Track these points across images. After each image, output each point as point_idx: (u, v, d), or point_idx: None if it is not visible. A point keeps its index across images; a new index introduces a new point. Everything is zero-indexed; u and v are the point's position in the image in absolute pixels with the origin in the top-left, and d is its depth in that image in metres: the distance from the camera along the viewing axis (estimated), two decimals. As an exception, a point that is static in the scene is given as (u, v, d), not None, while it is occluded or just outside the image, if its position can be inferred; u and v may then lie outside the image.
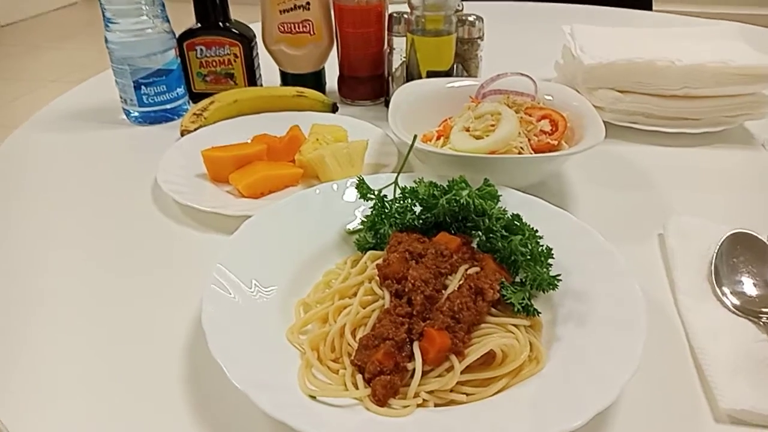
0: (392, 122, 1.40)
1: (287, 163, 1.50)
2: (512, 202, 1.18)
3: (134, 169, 1.59)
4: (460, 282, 0.95)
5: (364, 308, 0.96)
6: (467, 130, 1.43)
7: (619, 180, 1.50)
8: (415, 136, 1.16)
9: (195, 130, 1.69)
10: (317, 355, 0.93)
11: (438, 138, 1.52)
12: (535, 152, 1.40)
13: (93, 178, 1.57)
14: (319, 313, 1.00)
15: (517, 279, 1.03)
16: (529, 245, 1.01)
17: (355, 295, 1.00)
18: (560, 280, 0.98)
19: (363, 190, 1.16)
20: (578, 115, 1.34)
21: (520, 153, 1.36)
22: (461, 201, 1.04)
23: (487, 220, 1.07)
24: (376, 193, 1.16)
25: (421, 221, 1.11)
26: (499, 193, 1.09)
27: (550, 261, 1.00)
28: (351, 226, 1.20)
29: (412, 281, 0.92)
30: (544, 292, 0.99)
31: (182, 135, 1.71)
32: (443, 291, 0.95)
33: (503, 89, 1.45)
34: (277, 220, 1.17)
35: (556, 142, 1.43)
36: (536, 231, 1.04)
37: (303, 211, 1.21)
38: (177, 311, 1.04)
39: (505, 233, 1.03)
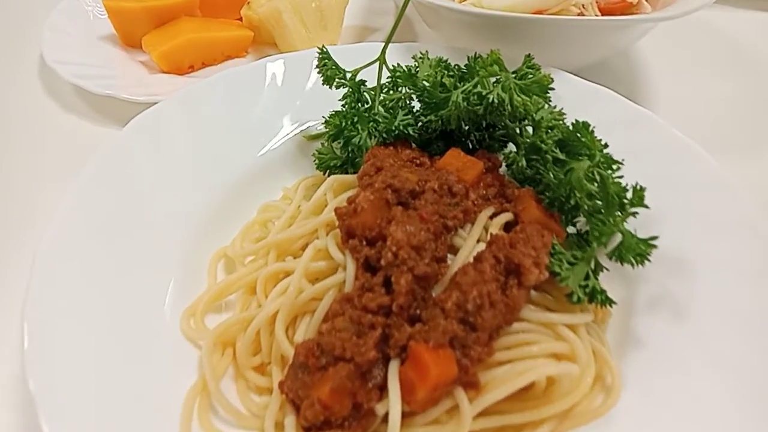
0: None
1: (232, 21, 1.02)
2: (568, 93, 0.74)
3: (16, 28, 1.12)
4: (480, 249, 0.54)
5: (312, 283, 0.56)
6: (502, -25, 0.93)
7: (722, 64, 1.03)
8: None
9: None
10: (230, 359, 0.55)
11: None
12: (604, 12, 0.91)
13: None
14: (244, 279, 0.61)
15: (574, 231, 0.62)
16: (601, 179, 0.58)
17: (302, 251, 0.60)
18: (655, 246, 0.56)
19: (327, 69, 0.70)
20: None
21: (581, 15, 0.88)
22: (489, 97, 0.60)
23: (530, 131, 0.63)
24: (348, 75, 0.71)
25: (419, 127, 0.67)
26: (551, 83, 0.64)
27: (637, 209, 0.58)
28: (311, 131, 0.77)
29: (394, 248, 0.51)
30: (621, 264, 0.57)
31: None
32: (448, 263, 0.54)
33: None
34: (191, 112, 0.74)
35: (634, 1, 0.93)
36: (608, 153, 0.61)
37: (235, 101, 0.77)
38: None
39: (560, 155, 0.60)
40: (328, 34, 0.97)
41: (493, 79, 0.64)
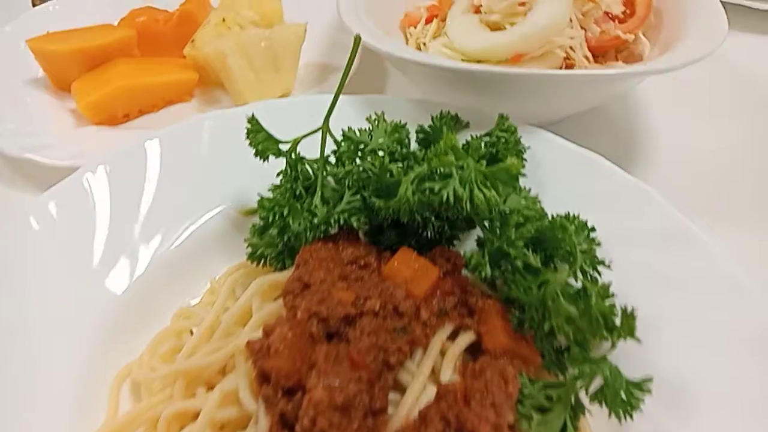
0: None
1: (174, 60, 0.91)
2: (546, 157, 0.63)
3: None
4: (429, 394, 0.43)
5: (218, 436, 0.45)
6: (478, 9, 0.81)
7: (730, 100, 0.90)
8: (358, 39, 0.57)
9: (50, -4, 1.08)
10: None
11: (429, 21, 0.91)
12: (595, 51, 0.80)
13: None
14: (147, 414, 0.50)
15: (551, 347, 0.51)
16: (584, 295, 0.46)
17: (221, 375, 0.49)
18: (649, 390, 0.44)
19: (258, 141, 0.59)
20: None
21: (568, 60, 0.76)
22: (443, 194, 0.48)
23: (496, 227, 0.51)
24: (286, 148, 0.60)
25: (367, 215, 0.56)
26: (521, 169, 0.52)
27: (630, 326, 0.46)
28: (249, 203, 0.66)
29: (312, 412, 0.39)
30: (609, 410, 0.46)
31: (34, 4, 1.10)
32: (389, 413, 0.42)
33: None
34: (109, 184, 0.64)
35: (631, 37, 0.81)
36: (594, 248, 0.50)
37: (160, 170, 0.66)
38: None
39: (531, 260, 0.48)
40: (282, 76, 0.85)
41: (450, 178, 0.51)
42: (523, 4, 0.77)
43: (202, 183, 0.67)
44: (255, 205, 0.64)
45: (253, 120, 0.59)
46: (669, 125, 0.87)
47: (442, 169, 0.49)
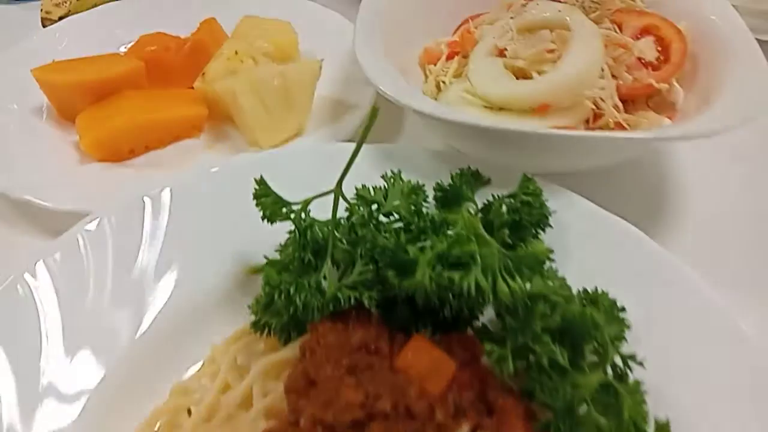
0: (362, 30, 0.75)
1: (184, 93, 0.87)
2: (572, 219, 0.59)
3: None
4: None
5: None
6: (502, 53, 0.77)
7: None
8: (375, 111, 0.53)
9: (61, 18, 1.05)
10: None
11: (450, 58, 0.87)
12: (626, 98, 0.75)
13: None
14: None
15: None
16: (616, 396, 0.42)
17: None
18: None
19: (266, 206, 0.55)
20: (707, 30, 0.79)
21: (597, 109, 0.72)
22: (464, 284, 0.44)
23: (519, 316, 0.47)
24: (294, 210, 0.56)
25: (378, 292, 0.52)
26: (550, 254, 0.48)
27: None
28: (256, 260, 0.62)
29: None
30: None
31: (44, 25, 1.07)
32: None
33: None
34: (110, 240, 0.60)
35: (665, 87, 0.77)
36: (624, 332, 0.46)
37: (163, 224, 0.63)
38: None
39: (559, 356, 0.44)
40: (295, 115, 0.82)
41: (471, 269, 0.47)
42: (551, 51, 0.72)
43: (205, 237, 0.63)
44: (260, 262, 0.61)
45: (261, 183, 0.55)
46: (702, 181, 0.82)
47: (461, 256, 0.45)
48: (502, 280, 0.44)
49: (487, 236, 0.47)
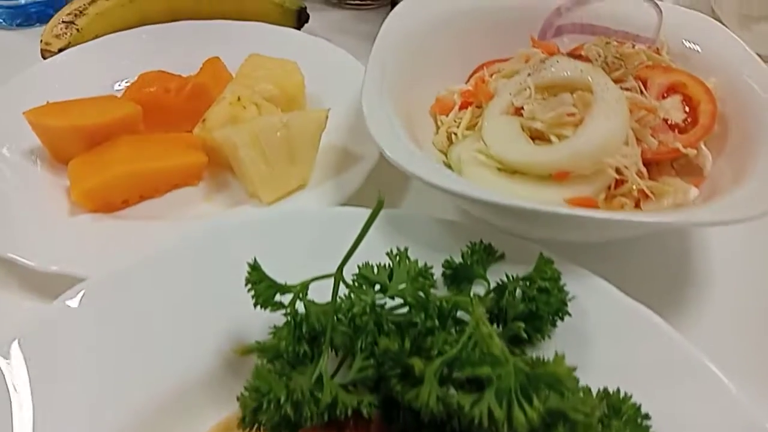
0: (372, 79, 0.71)
1: (183, 138, 0.83)
2: (591, 305, 0.56)
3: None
4: None
5: None
6: (519, 111, 0.72)
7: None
8: (381, 202, 0.48)
9: (61, 50, 1.01)
10: None
11: (463, 108, 0.82)
12: (650, 164, 0.70)
13: None
14: None
15: None
16: None
17: None
18: None
19: (259, 293, 0.51)
20: (738, 89, 0.75)
21: (620, 177, 0.67)
22: (474, 412, 0.39)
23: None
24: (287, 301, 0.51)
25: (378, 395, 0.47)
26: (571, 373, 0.43)
27: None
28: (247, 340, 0.58)
29: None
30: None
31: (44, 57, 1.03)
32: None
33: (595, 24, 0.71)
34: (93, 317, 0.56)
35: (693, 152, 0.72)
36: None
37: (152, 299, 0.59)
38: None
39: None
40: (298, 169, 0.77)
41: (486, 393, 0.42)
42: (572, 114, 0.68)
43: (193, 314, 0.59)
44: (252, 342, 0.56)
45: (254, 268, 0.51)
46: (728, 264, 0.76)
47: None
48: (518, 406, 0.40)
49: (505, 350, 0.42)
